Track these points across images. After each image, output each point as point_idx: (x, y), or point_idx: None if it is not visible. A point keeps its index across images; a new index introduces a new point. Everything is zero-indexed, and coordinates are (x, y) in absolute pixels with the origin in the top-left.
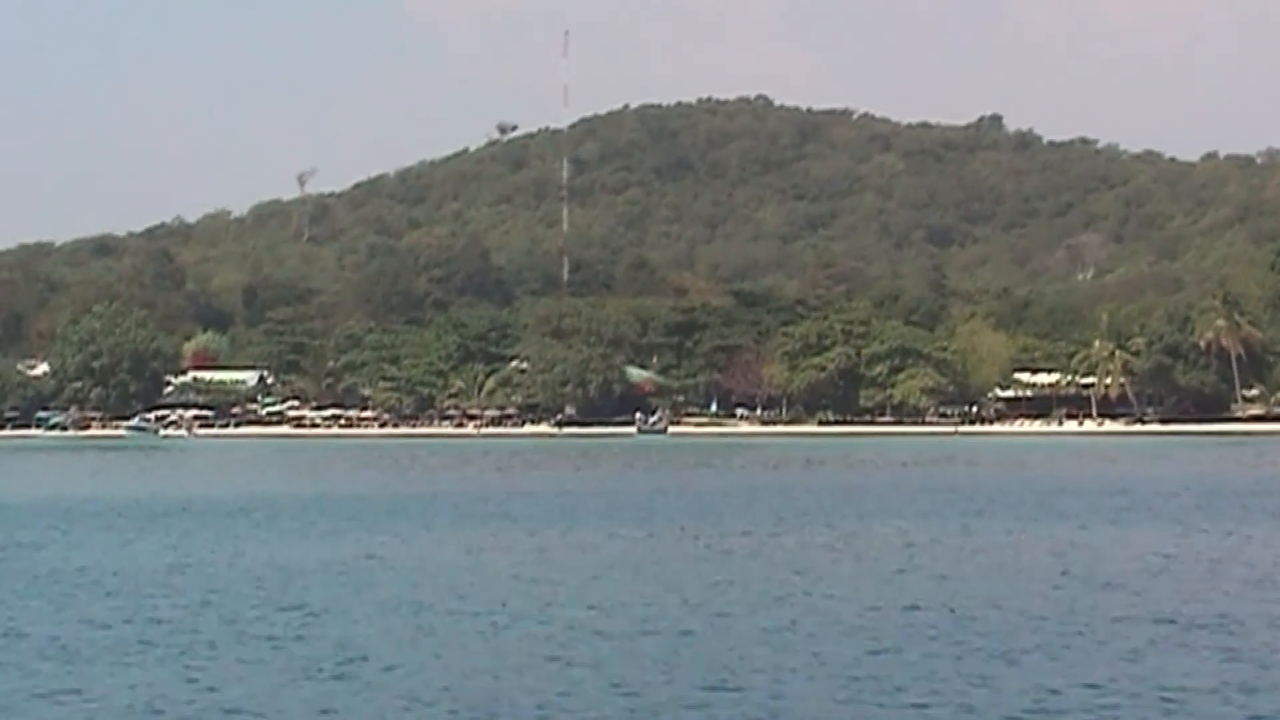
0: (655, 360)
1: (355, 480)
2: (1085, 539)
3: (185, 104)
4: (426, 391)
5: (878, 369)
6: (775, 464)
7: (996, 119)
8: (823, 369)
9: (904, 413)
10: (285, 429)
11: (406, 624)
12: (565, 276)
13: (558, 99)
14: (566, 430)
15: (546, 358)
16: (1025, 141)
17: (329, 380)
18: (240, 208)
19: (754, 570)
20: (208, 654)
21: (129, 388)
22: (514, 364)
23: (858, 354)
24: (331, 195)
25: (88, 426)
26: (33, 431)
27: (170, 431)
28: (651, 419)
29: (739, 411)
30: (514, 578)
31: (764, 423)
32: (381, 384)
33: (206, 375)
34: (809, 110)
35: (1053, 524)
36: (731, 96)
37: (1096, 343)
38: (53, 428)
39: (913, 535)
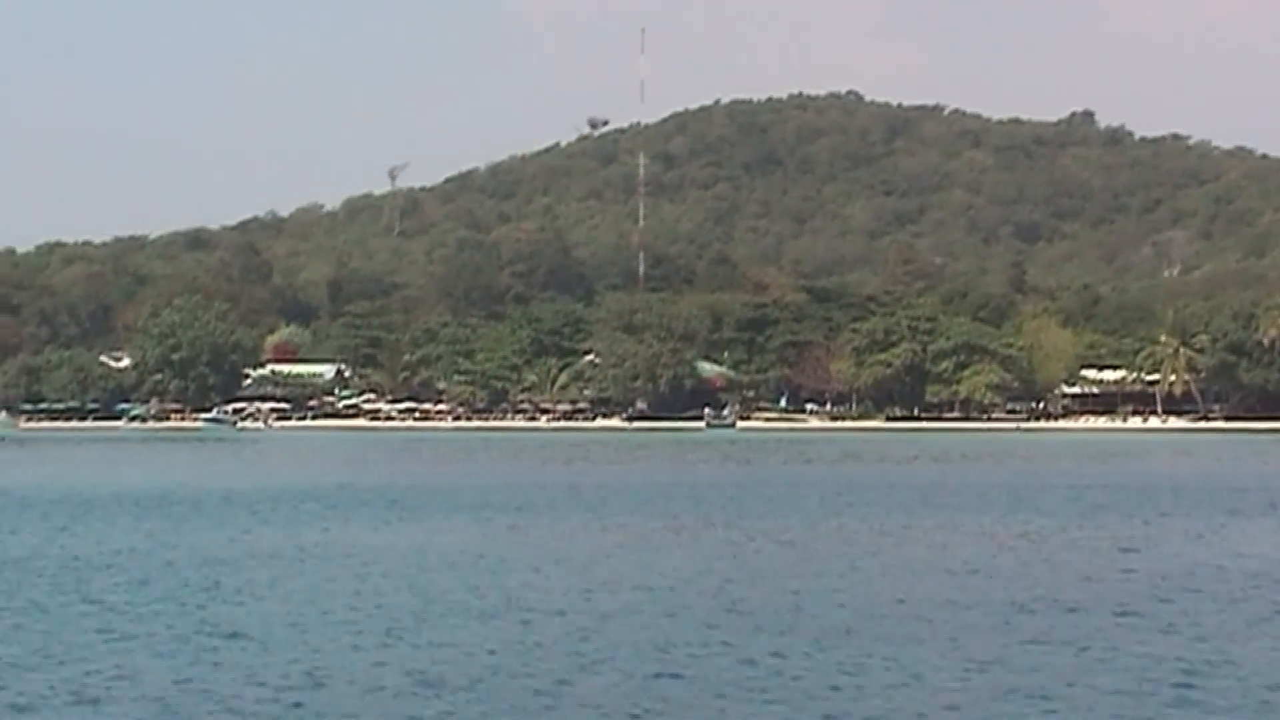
0: (727, 355)
1: (386, 470)
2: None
3: (280, 99)
4: (500, 385)
5: (943, 365)
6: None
7: (1088, 115)
8: (889, 365)
9: (970, 408)
10: (361, 422)
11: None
12: (642, 271)
13: (646, 94)
14: (636, 425)
15: (618, 352)
16: (1116, 137)
17: (405, 374)
18: (332, 201)
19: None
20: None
21: (208, 380)
22: (587, 358)
23: (924, 350)
24: (422, 189)
25: (168, 418)
26: (115, 423)
27: (248, 424)
28: (720, 414)
29: (809, 407)
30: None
31: (833, 418)
32: (456, 378)
33: (285, 368)
34: (899, 106)
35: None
36: (822, 92)
37: (1162, 339)
38: (133, 419)
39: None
